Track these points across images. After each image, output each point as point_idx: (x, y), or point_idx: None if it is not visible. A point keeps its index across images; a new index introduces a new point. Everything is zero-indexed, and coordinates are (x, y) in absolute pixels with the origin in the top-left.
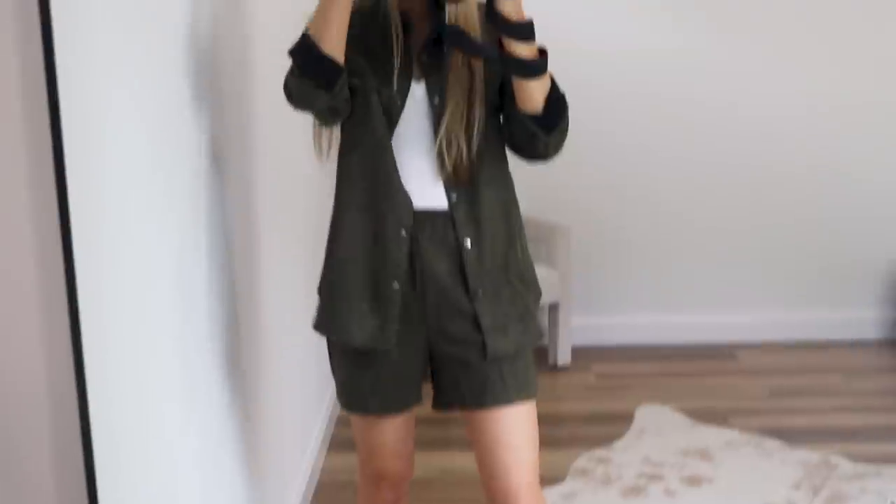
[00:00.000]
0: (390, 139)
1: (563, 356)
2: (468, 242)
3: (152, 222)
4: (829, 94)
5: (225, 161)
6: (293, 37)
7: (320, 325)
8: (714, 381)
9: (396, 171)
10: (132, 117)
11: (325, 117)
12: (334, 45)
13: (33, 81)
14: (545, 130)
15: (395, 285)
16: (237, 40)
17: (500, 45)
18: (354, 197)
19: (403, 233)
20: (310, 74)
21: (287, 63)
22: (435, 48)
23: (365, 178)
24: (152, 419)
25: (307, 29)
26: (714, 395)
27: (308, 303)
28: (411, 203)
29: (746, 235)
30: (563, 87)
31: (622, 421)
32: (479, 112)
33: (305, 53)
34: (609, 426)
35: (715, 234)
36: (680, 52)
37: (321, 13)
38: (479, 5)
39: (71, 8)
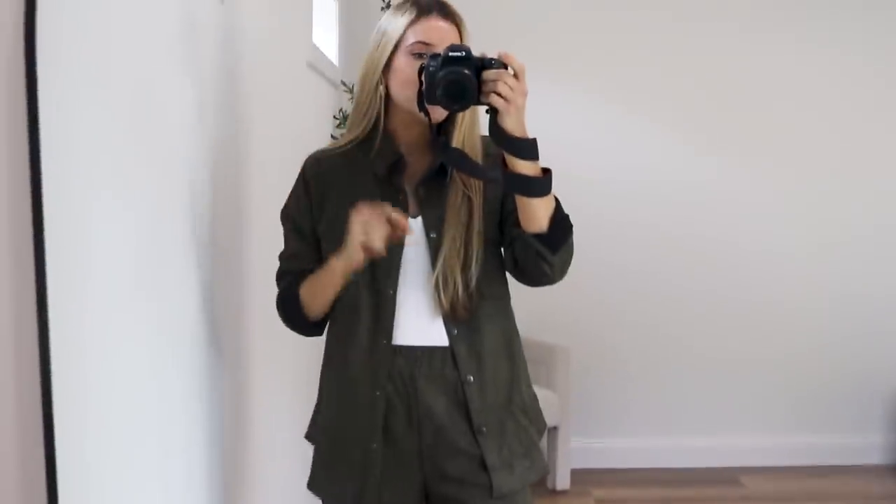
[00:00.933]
0: (363, 299)
1: (563, 480)
2: (470, 378)
3: (144, 370)
4: (831, 227)
5: (218, 305)
6: (286, 185)
7: (311, 484)
8: None
9: (377, 331)
10: (119, 257)
11: None
12: (322, 313)
13: (21, 225)
14: (551, 250)
15: (374, 446)
16: (232, 187)
17: (504, 165)
18: (333, 361)
19: (378, 393)
20: (297, 329)
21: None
22: (433, 181)
23: (342, 343)
24: None
25: (299, 291)
26: None
27: (300, 449)
28: (390, 360)
29: (749, 360)
30: (567, 212)
31: None
32: (476, 246)
33: (294, 316)
34: None
35: (717, 358)
36: (683, 183)
37: (319, 289)
38: (482, 137)
39: (62, 150)
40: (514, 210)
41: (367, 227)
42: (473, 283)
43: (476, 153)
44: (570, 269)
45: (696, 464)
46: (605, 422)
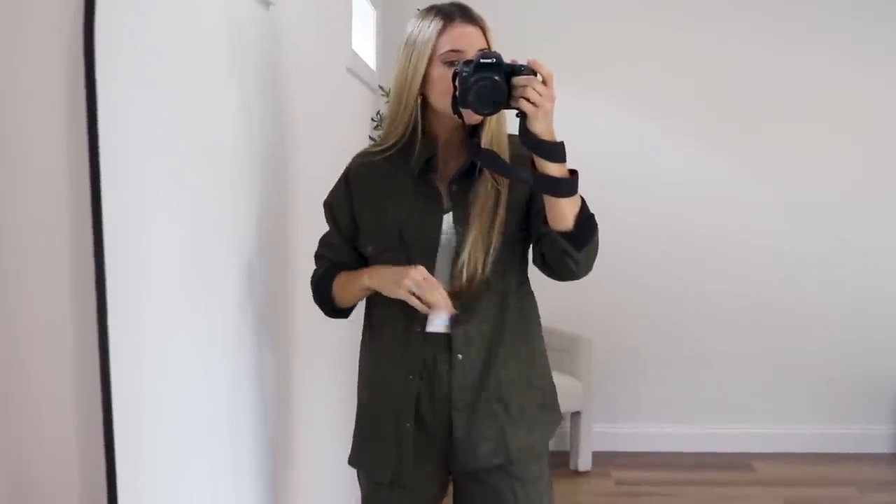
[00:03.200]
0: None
1: (585, 462)
2: (481, 357)
3: (194, 355)
4: (842, 225)
5: (264, 293)
6: (328, 181)
7: (352, 460)
8: (730, 490)
9: (413, 319)
10: (172, 250)
11: None
12: (349, 306)
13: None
14: (576, 248)
15: (407, 425)
16: (278, 183)
17: (533, 167)
18: (370, 345)
19: (411, 377)
20: (325, 311)
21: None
22: (465, 178)
23: (379, 329)
24: None
25: (332, 284)
26: None
27: (341, 429)
28: (423, 347)
29: (762, 352)
30: (592, 210)
31: None
32: (496, 238)
33: (324, 301)
34: None
35: (731, 351)
36: (699, 184)
37: (349, 293)
38: (510, 136)
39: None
40: (543, 208)
41: (421, 286)
42: (488, 269)
43: (503, 149)
44: (595, 266)
45: (710, 449)
46: (625, 408)
